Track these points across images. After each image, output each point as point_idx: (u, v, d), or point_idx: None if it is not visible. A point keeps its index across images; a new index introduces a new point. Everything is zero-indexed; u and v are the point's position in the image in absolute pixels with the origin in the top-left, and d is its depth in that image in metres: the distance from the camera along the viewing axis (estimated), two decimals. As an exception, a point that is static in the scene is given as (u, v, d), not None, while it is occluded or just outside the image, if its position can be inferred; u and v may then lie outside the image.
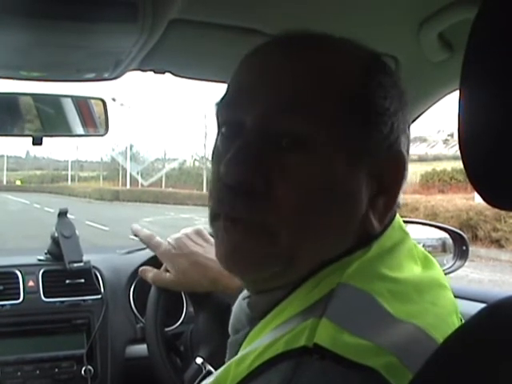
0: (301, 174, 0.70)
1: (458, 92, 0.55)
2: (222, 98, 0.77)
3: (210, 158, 0.81)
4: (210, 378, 0.76)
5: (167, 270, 1.27)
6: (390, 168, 0.74)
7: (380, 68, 0.76)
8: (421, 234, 1.77)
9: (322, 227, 0.72)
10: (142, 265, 1.48)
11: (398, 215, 0.79)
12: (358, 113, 0.72)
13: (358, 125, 0.72)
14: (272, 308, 0.73)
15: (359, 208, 0.72)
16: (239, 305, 0.86)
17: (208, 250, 1.27)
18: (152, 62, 1.26)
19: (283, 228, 0.70)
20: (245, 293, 0.85)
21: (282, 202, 0.69)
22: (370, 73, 0.74)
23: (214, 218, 0.76)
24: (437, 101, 1.32)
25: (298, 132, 0.70)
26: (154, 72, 1.32)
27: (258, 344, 0.67)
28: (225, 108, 0.77)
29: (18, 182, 55.98)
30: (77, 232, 1.74)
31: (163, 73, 1.33)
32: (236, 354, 0.72)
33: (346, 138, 0.71)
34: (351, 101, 0.72)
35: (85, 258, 1.71)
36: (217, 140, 0.78)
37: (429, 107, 1.34)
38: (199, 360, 1.24)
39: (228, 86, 0.78)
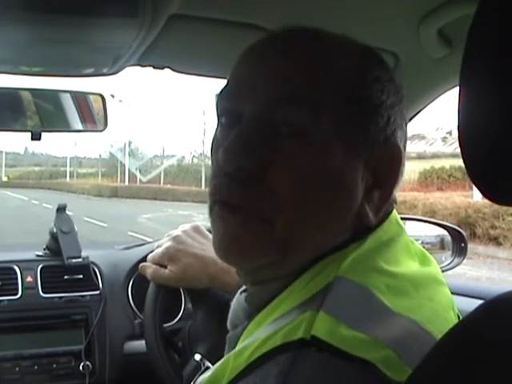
0: (297, 161, 0.70)
1: (457, 89, 0.55)
2: (222, 89, 0.78)
3: (208, 155, 0.82)
4: (208, 373, 0.76)
5: (166, 267, 1.27)
6: (385, 161, 0.75)
7: (376, 62, 0.77)
8: (419, 231, 1.77)
9: (318, 216, 0.72)
10: (140, 261, 1.48)
11: (395, 210, 0.80)
12: (354, 104, 0.73)
13: (354, 116, 0.73)
14: (269, 301, 0.73)
15: (355, 199, 0.73)
16: (237, 300, 0.86)
17: (206, 247, 1.27)
18: (151, 58, 1.25)
19: (279, 215, 0.70)
20: (243, 288, 0.85)
21: (279, 189, 0.70)
22: (367, 66, 0.75)
23: (212, 207, 0.76)
24: (436, 97, 1.32)
25: (295, 121, 0.71)
26: (153, 67, 1.32)
27: (256, 337, 0.67)
28: (224, 98, 0.78)
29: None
30: (75, 227, 1.74)
31: (162, 68, 1.32)
32: (234, 348, 0.73)
33: (342, 129, 0.72)
34: (348, 92, 0.73)
35: (83, 253, 1.71)
36: (216, 131, 0.79)
37: (428, 104, 1.34)
38: (198, 356, 1.24)
39: (228, 78, 0.79)
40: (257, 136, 0.72)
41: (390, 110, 0.75)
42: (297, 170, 0.70)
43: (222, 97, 0.78)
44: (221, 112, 0.78)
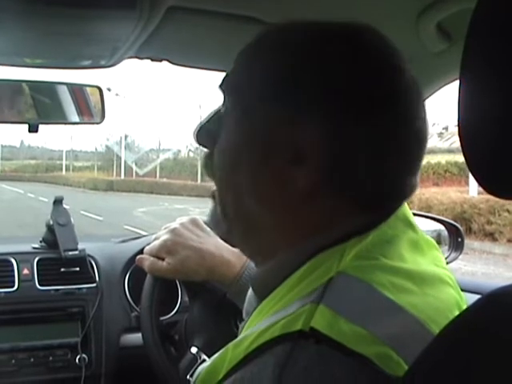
0: (222, 140, 0.78)
1: (453, 84, 0.55)
2: None
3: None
4: (208, 362, 0.76)
5: (163, 259, 1.27)
6: (309, 143, 0.75)
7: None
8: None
9: (238, 192, 0.77)
10: (137, 253, 1.48)
11: (406, 206, 0.79)
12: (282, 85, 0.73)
13: (277, 96, 0.74)
14: (271, 290, 0.74)
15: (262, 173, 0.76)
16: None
17: (204, 240, 1.27)
18: (149, 50, 1.25)
19: (217, 189, 0.81)
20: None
21: (215, 164, 0.79)
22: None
23: None
24: (435, 91, 1.31)
25: (227, 103, 0.78)
26: (151, 60, 1.31)
27: (256, 328, 0.68)
28: None
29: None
30: (72, 220, 1.74)
31: (160, 61, 1.32)
32: None
33: (265, 108, 0.75)
34: (275, 74, 0.74)
35: (80, 246, 1.71)
36: None
37: (427, 98, 1.34)
38: (194, 349, 1.24)
39: None
40: (213, 117, 0.82)
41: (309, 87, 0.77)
42: (221, 146, 0.79)
43: None
44: None
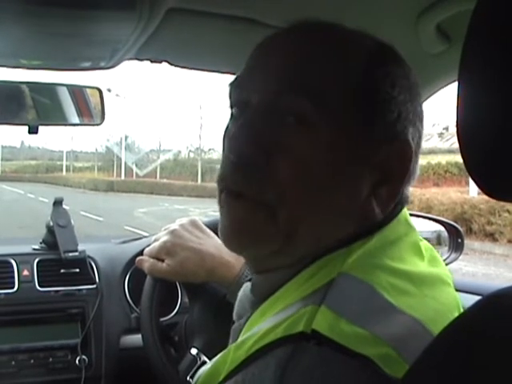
0: (300, 151, 0.71)
1: (453, 85, 0.55)
2: (234, 79, 0.79)
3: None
4: (209, 365, 0.77)
5: (163, 260, 1.27)
6: (394, 157, 0.74)
7: (388, 57, 0.77)
8: (416, 227, 1.77)
9: (321, 206, 0.73)
10: (137, 255, 1.48)
11: (405, 209, 0.80)
12: (361, 99, 0.73)
13: (360, 110, 0.73)
14: (273, 292, 0.74)
15: (359, 192, 0.73)
16: (244, 290, 0.87)
17: (204, 241, 1.27)
18: (149, 51, 1.25)
19: (281, 203, 0.71)
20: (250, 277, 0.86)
21: (281, 178, 0.71)
22: (377, 61, 0.75)
23: (219, 194, 0.78)
24: (434, 93, 1.31)
25: (299, 110, 0.71)
26: (151, 61, 1.31)
27: (258, 329, 0.68)
28: (234, 88, 0.79)
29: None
30: (72, 221, 1.74)
31: (160, 62, 1.32)
32: (238, 339, 0.73)
33: (346, 120, 0.72)
34: (355, 86, 0.73)
35: (80, 247, 1.71)
36: (229, 121, 0.81)
37: (426, 99, 1.34)
38: (194, 350, 1.24)
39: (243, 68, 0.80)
40: (261, 125, 0.73)
41: (401, 106, 0.74)
42: (298, 159, 0.71)
43: (232, 87, 0.79)
44: (232, 103, 0.80)
